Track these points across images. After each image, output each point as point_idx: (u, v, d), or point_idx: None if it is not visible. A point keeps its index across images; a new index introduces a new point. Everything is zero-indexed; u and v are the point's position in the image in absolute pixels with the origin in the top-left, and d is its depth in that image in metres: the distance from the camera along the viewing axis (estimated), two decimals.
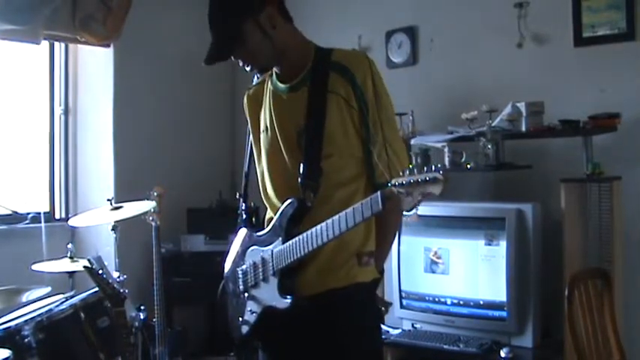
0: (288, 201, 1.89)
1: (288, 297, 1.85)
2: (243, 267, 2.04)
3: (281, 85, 1.95)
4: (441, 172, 1.46)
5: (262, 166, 2.06)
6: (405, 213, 1.55)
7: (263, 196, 2.06)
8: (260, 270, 1.96)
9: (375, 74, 1.88)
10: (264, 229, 2.01)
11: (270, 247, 1.93)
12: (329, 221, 1.72)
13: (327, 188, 1.85)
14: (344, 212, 1.68)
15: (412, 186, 1.48)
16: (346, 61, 1.88)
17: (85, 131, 4.22)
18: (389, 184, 1.54)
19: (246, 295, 2.02)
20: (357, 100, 1.85)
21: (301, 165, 1.87)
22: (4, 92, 3.95)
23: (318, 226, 1.75)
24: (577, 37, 3.36)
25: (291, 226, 1.87)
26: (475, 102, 3.37)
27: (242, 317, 2.03)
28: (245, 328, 2.02)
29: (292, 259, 1.84)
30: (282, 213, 1.91)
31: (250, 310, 2.00)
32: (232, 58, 1.92)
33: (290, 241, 1.85)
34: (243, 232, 2.11)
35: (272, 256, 1.91)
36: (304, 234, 1.80)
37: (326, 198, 1.84)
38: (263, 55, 1.90)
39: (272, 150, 1.97)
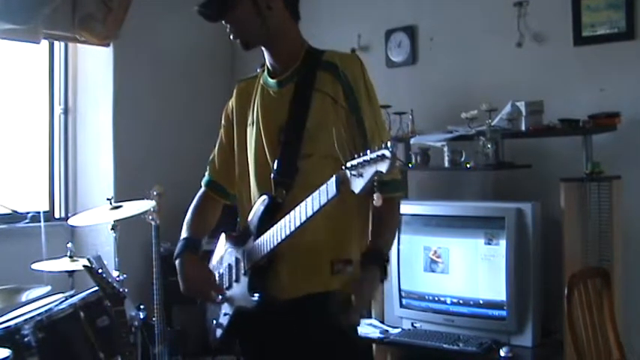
0: (261, 198, 1.87)
1: (256, 295, 1.83)
2: (220, 270, 2.03)
3: (270, 80, 1.95)
4: (389, 149, 1.42)
5: (227, 150, 2.08)
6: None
7: (239, 191, 2.03)
8: (234, 271, 1.95)
9: (366, 76, 1.87)
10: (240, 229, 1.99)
11: (244, 246, 1.91)
12: (291, 213, 1.69)
13: (302, 188, 1.76)
14: (304, 201, 1.65)
15: (363, 166, 1.45)
16: (337, 60, 1.87)
17: (85, 130, 4.22)
18: (343, 167, 1.51)
19: (220, 297, 1.99)
20: (346, 98, 1.83)
21: (276, 161, 1.86)
22: (4, 92, 3.95)
23: (282, 220, 1.72)
24: (577, 36, 3.36)
25: (262, 224, 1.84)
26: (475, 101, 3.37)
27: (217, 320, 2.02)
28: (219, 332, 2.01)
29: (261, 256, 1.82)
30: (255, 211, 1.89)
31: (224, 313, 1.98)
32: (223, 22, 1.90)
33: (259, 238, 1.83)
34: (223, 236, 2.10)
35: (243, 256, 1.89)
36: (271, 229, 1.77)
37: (300, 197, 1.71)
38: (249, 30, 1.87)
39: (256, 144, 1.94)
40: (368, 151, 1.45)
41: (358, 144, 1.79)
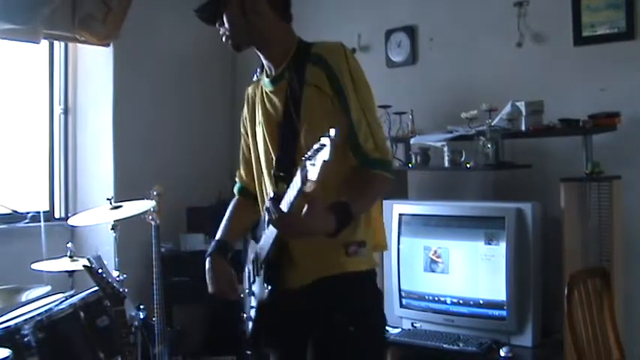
0: (270, 194, 1.92)
1: (269, 287, 1.88)
2: (249, 266, 2.09)
3: (266, 80, 2.00)
4: (330, 136, 1.44)
5: (248, 157, 2.12)
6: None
7: (259, 189, 2.08)
8: (255, 265, 2.01)
9: (350, 61, 1.88)
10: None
11: (258, 242, 1.98)
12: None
13: None
14: (285, 196, 1.70)
15: (314, 155, 1.49)
16: (322, 50, 1.90)
17: (85, 130, 4.22)
18: (302, 158, 1.55)
19: (248, 291, 2.06)
20: (331, 85, 1.85)
21: (276, 157, 1.92)
22: (4, 92, 3.95)
23: None
24: (577, 36, 3.36)
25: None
26: (475, 101, 3.37)
27: (247, 314, 2.08)
28: (250, 325, 2.06)
29: (268, 249, 1.88)
30: (265, 207, 1.93)
31: (251, 307, 2.04)
32: (216, 25, 1.96)
33: (264, 234, 1.90)
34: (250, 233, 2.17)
35: (259, 250, 1.96)
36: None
37: None
38: (238, 32, 1.93)
39: (263, 143, 2.01)
40: (321, 139, 1.48)
41: (345, 131, 1.81)
